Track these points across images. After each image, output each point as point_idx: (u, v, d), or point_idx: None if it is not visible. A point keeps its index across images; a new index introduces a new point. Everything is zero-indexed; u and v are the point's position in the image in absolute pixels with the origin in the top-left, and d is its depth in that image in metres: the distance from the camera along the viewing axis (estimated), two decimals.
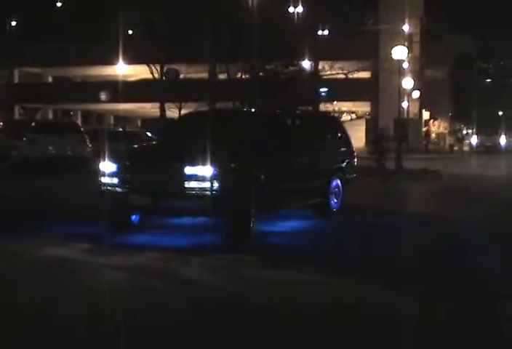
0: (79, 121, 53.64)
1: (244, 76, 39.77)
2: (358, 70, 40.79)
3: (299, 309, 7.19)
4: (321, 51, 37.26)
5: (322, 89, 39.31)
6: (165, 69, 44.69)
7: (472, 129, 71.31)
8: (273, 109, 17.41)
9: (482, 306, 7.34)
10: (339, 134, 15.19)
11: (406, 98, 47.08)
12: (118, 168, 10.91)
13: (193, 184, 10.17)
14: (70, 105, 59.26)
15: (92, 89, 53.02)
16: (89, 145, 26.48)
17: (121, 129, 40.14)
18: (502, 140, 58.89)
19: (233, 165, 10.74)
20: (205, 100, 46.42)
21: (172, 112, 45.28)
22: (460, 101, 69.12)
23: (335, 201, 13.85)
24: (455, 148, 53.94)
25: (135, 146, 13.24)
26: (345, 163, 14.81)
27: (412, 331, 6.44)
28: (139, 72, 50.35)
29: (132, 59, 44.37)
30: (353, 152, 15.62)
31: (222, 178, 10.21)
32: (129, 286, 8.01)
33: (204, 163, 10.16)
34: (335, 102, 42.42)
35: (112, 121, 66.66)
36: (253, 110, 19.80)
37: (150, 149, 12.84)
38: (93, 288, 7.87)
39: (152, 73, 44.50)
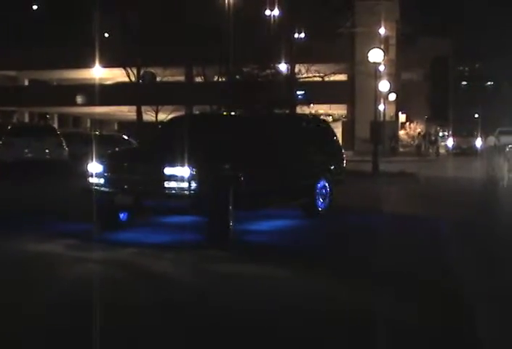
0: (55, 124, 53.49)
1: (220, 79, 39.88)
2: (334, 73, 40.91)
3: (251, 300, 7.55)
4: (297, 54, 37.38)
5: (299, 92, 39.44)
6: (141, 72, 44.74)
7: (448, 131, 71.78)
8: (255, 112, 17.97)
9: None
10: (327, 137, 15.62)
11: (382, 101, 47.37)
12: (104, 169, 11.55)
13: (172, 184, 10.69)
14: (47, 108, 59.10)
15: (68, 92, 52.98)
16: (65, 149, 26.47)
17: (97, 132, 40.11)
18: (478, 143, 59.30)
19: (210, 166, 11.16)
20: (181, 103, 46.55)
21: (149, 115, 45.31)
22: (436, 103, 69.49)
23: (322, 201, 14.29)
24: (430, 151, 54.30)
25: (121, 148, 13.94)
26: (333, 165, 15.22)
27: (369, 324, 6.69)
28: (115, 75, 50.33)
29: (108, 63, 44.34)
30: (342, 154, 16.05)
31: (199, 178, 10.70)
32: (96, 277, 8.57)
33: (182, 165, 10.66)
34: (312, 105, 42.50)
35: (88, 124, 66.51)
36: (236, 113, 20.15)
37: (134, 151, 13.44)
38: (64, 278, 8.48)
39: (128, 76, 44.48)
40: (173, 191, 10.72)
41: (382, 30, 48.39)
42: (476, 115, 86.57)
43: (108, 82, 53.84)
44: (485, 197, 19.28)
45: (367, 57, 34.67)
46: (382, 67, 44.45)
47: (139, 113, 44.54)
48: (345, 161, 16.11)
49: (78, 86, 53.62)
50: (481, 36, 78.72)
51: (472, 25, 77.50)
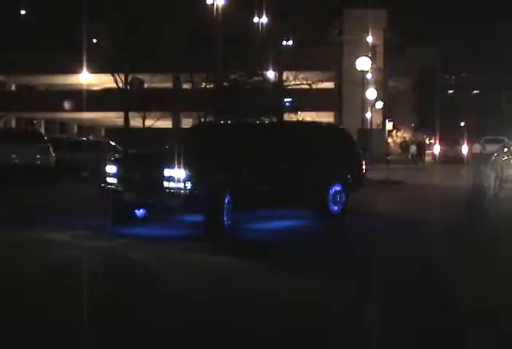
0: (42, 130, 53.31)
1: (208, 86, 39.90)
2: (322, 81, 41.05)
3: (194, 285, 8.38)
4: (285, 62, 37.48)
5: (286, 99, 39.50)
6: (129, 78, 44.69)
7: (435, 140, 72.05)
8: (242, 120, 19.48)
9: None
10: (344, 144, 16.39)
11: (369, 109, 47.52)
12: (117, 170, 12.94)
13: (170, 184, 12.03)
14: (34, 113, 58.91)
15: (56, 97, 52.85)
16: (52, 154, 26.39)
17: (84, 139, 40.06)
18: (464, 151, 59.37)
19: (205, 169, 12.39)
20: (169, 110, 46.55)
21: (136, 121, 45.23)
22: (423, 112, 69.81)
23: (335, 206, 15.09)
24: (417, 158, 54.44)
25: (133, 152, 15.01)
26: (349, 172, 15.84)
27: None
28: (103, 81, 50.21)
29: (96, 68, 44.25)
30: (360, 161, 16.67)
31: (194, 180, 11.98)
32: (78, 261, 9.98)
33: (179, 167, 11.97)
34: (299, 113, 42.57)
35: (76, 130, 66.35)
36: (245, 121, 21.77)
37: (142, 155, 14.92)
38: (51, 260, 9.92)
39: (116, 83, 44.39)
40: (171, 191, 11.99)
41: (369, 39, 48.57)
42: (462, 124, 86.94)
43: (96, 88, 53.72)
44: (472, 206, 19.30)
45: (355, 65, 34.89)
46: (369, 76, 44.62)
47: (126, 119, 44.46)
48: (364, 168, 16.71)
49: (65, 91, 53.50)
50: (467, 46, 79.14)
51: (459, 35, 77.96)
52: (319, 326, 6.73)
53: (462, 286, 8.38)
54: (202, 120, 38.32)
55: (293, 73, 39.24)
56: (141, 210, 13.44)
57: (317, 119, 51.24)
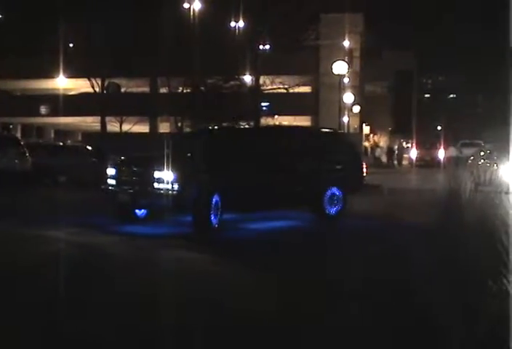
0: (19, 135, 53.04)
1: (185, 90, 39.93)
2: (298, 85, 41.23)
3: (158, 278, 9.11)
4: (262, 66, 37.58)
5: (263, 104, 39.62)
6: (106, 83, 44.64)
7: (411, 143, 72.35)
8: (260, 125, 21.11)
9: None
10: (342, 148, 16.91)
11: (346, 113, 47.66)
12: (115, 172, 14.03)
13: (160, 186, 12.92)
14: (10, 118, 58.58)
15: (32, 102, 52.57)
16: (28, 159, 26.27)
17: (61, 143, 39.90)
18: (441, 154, 59.62)
19: (192, 171, 13.21)
20: (146, 114, 46.50)
21: (113, 126, 45.18)
22: (400, 115, 69.96)
23: (332, 207, 15.75)
24: (394, 162, 54.67)
25: (131, 155, 15.87)
26: (347, 175, 16.33)
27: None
28: (79, 85, 50.07)
29: (72, 73, 44.17)
30: (360, 164, 17.19)
31: (181, 181, 12.83)
32: (58, 252, 10.94)
33: (167, 169, 12.84)
34: (276, 117, 42.72)
35: (52, 134, 66.05)
36: (241, 126, 23.26)
37: (138, 157, 15.48)
38: (37, 252, 10.96)
39: (93, 87, 44.38)
40: (161, 192, 12.88)
41: (346, 43, 48.73)
42: (439, 128, 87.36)
43: (72, 92, 53.55)
44: (449, 208, 19.42)
45: (331, 69, 34.89)
46: (346, 80, 44.69)
47: (103, 123, 44.40)
48: (364, 171, 17.19)
49: (42, 96, 53.24)
50: (444, 50, 79.59)
51: (435, 39, 78.34)
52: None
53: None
54: (180, 124, 38.40)
55: (270, 77, 39.36)
56: (142, 210, 14.40)
57: (294, 123, 51.58)
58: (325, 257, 10.95)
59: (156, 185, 12.99)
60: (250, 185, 14.19)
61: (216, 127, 26.02)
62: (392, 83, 68.04)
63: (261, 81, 38.96)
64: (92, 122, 49.34)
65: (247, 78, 38.77)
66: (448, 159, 57.36)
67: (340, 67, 34.23)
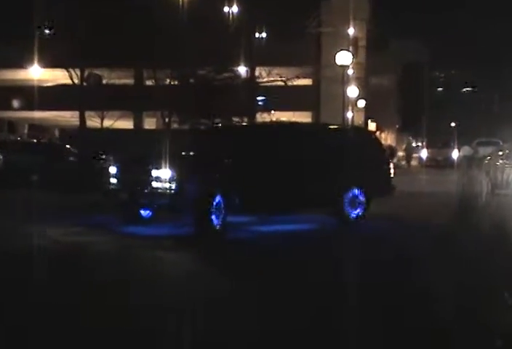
0: None
1: (173, 83, 39.85)
2: (298, 77, 41.09)
3: (128, 276, 9.94)
4: (257, 56, 37.55)
5: (259, 98, 39.57)
6: (86, 74, 44.50)
7: (422, 142, 72.39)
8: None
9: None
10: (368, 147, 17.25)
11: (350, 108, 47.67)
12: (116, 170, 14.85)
13: (159, 184, 13.59)
14: None
15: (4, 94, 52.43)
16: (0, 157, 26.24)
17: (35, 140, 39.79)
18: (455, 154, 59.50)
19: (192, 169, 13.93)
20: (130, 109, 46.33)
21: (94, 121, 45.03)
22: (409, 111, 70.09)
23: (353, 210, 16.14)
24: (402, 163, 54.71)
25: (132, 153, 17.31)
26: (372, 176, 16.59)
27: None
28: (56, 77, 49.89)
29: (48, 63, 44.02)
30: (386, 165, 17.66)
31: (179, 179, 13.46)
32: (43, 249, 12.01)
33: (166, 167, 13.49)
34: (273, 112, 42.67)
35: (26, 130, 65.91)
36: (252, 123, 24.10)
37: (137, 156, 16.38)
38: (25, 248, 12.19)
39: (71, 78, 44.19)
40: (159, 190, 13.58)
41: (350, 31, 48.68)
42: (453, 124, 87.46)
43: (48, 84, 53.41)
44: (464, 213, 19.43)
45: (334, 59, 34.95)
46: (350, 71, 44.77)
47: (82, 118, 44.26)
48: (391, 172, 17.57)
49: (14, 88, 53.09)
50: (457, 41, 79.70)
51: (449, 29, 78.43)
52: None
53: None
54: (167, 120, 38.32)
55: (266, 68, 39.28)
56: (147, 211, 15.12)
57: (293, 120, 51.54)
58: (337, 270, 10.67)
59: (154, 183, 13.65)
60: (258, 185, 14.58)
61: (220, 124, 26.53)
62: (401, 76, 68.18)
63: (257, 73, 38.94)
64: (70, 117, 49.23)
65: (241, 70, 38.72)
66: (462, 159, 57.43)
67: (343, 58, 34.33)
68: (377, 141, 18.89)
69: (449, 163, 55.33)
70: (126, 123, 48.65)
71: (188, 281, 9.78)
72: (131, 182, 14.41)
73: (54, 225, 14.97)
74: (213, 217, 13.70)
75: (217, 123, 33.42)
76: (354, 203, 16.15)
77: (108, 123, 45.07)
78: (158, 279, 9.88)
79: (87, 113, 44.51)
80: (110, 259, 11.56)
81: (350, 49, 43.38)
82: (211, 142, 15.71)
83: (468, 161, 54.90)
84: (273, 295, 8.83)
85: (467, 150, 59.52)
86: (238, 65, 38.42)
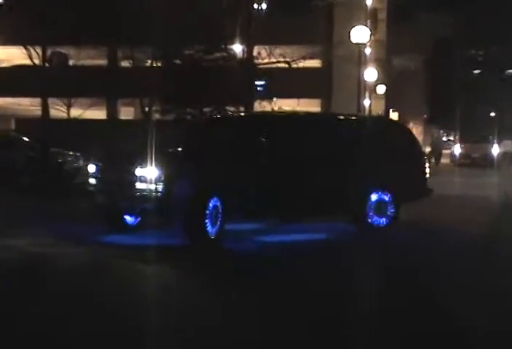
0: None
1: (154, 64, 40.16)
2: (305, 58, 41.34)
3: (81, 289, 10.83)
4: (256, 33, 37.79)
5: (258, 83, 39.78)
6: (49, 53, 44.82)
7: (454, 136, 72.57)
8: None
9: None
10: (399, 142, 17.62)
11: (367, 94, 48.00)
12: (96, 169, 15.30)
13: (143, 185, 13.89)
14: None
15: None
16: None
17: None
18: (495, 150, 59.32)
19: (183, 168, 14.30)
20: (103, 95, 46.67)
21: (59, 110, 45.28)
22: (439, 99, 70.23)
23: (377, 217, 16.40)
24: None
25: (114, 148, 16.34)
26: (402, 176, 16.87)
27: None
28: (12, 56, 50.28)
29: (1, 40, 44.39)
30: (421, 163, 17.99)
31: (167, 180, 13.79)
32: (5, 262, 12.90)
33: (152, 165, 13.76)
34: (275, 100, 42.94)
35: None
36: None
37: (119, 152, 17.37)
38: None
39: (30, 58, 44.48)
40: (143, 193, 13.90)
41: (368, 1, 49.02)
42: (492, 114, 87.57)
43: (3, 65, 53.84)
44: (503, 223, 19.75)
45: (349, 36, 35.27)
46: (368, 51, 45.12)
47: (45, 107, 44.58)
48: (426, 172, 17.80)
49: None
50: (498, 10, 79.71)
51: None
52: None
53: None
54: (147, 109, 38.67)
55: (267, 47, 39.57)
56: (133, 217, 15.46)
57: (299, 108, 51.84)
58: (344, 295, 10.80)
59: (137, 184, 13.94)
60: (263, 187, 14.95)
61: (218, 115, 26.81)
62: (429, 55, 68.33)
63: (255, 53, 39.14)
64: (29, 105, 49.55)
65: (237, 49, 38.97)
66: (503, 157, 57.63)
67: (359, 35, 34.70)
68: (410, 134, 19.03)
69: (487, 161, 55.34)
70: (98, 113, 49.03)
71: (157, 304, 10.02)
72: (111, 182, 14.80)
73: (22, 233, 15.47)
74: (207, 224, 14.02)
75: (213, 114, 33.67)
76: (379, 208, 16.35)
77: (76, 112, 45.41)
78: (123, 299, 10.23)
79: (50, 101, 44.80)
80: (74, 275, 11.99)
81: (368, 23, 43.71)
82: (207, 136, 16.13)
83: (510, 159, 55.21)
84: (264, 330, 8.87)
85: (509, 145, 59.75)
86: (233, 42, 38.62)
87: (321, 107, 56.23)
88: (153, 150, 14.06)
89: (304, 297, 10.45)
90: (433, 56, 68.51)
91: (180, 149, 15.62)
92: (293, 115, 19.38)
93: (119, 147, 18.62)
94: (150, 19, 35.42)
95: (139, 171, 13.92)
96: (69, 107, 45.18)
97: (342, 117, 19.69)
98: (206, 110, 35.38)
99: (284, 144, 15.66)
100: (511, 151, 58.66)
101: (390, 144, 17.16)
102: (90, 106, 46.15)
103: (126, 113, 50.91)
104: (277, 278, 11.67)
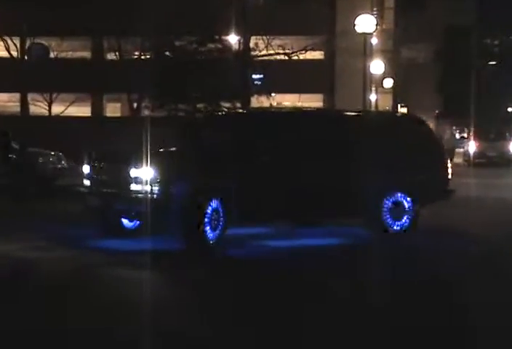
0: None
1: (143, 57, 40.28)
2: (306, 50, 41.56)
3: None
4: (253, 22, 37.89)
5: (255, 76, 39.89)
6: (28, 44, 45.04)
7: (468, 133, 72.51)
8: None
9: None
10: (417, 140, 17.59)
11: (374, 89, 48.21)
12: (90, 170, 15.56)
13: (138, 187, 14.14)
14: None
15: None
16: None
17: None
18: None
19: (180, 169, 14.54)
20: (87, 90, 46.74)
21: (39, 107, 45.39)
22: (452, 92, 70.20)
23: (396, 221, 16.44)
24: None
25: (108, 148, 18.02)
26: (422, 177, 16.95)
27: None
28: None
29: None
30: (442, 163, 17.93)
31: (163, 182, 14.07)
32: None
33: (146, 166, 13.97)
34: (273, 95, 43.07)
35: None
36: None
37: (113, 152, 17.21)
38: None
39: (8, 50, 44.65)
40: (138, 195, 14.14)
41: None
42: (510, 110, 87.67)
43: None
44: None
45: (353, 26, 35.48)
46: (374, 41, 45.28)
47: (24, 103, 44.71)
48: (448, 172, 17.82)
49: None
50: None
51: None
52: None
53: None
54: (136, 105, 38.88)
55: (265, 38, 39.71)
56: (132, 220, 15.59)
57: (300, 104, 51.94)
58: (349, 309, 10.61)
59: (132, 186, 14.22)
60: (269, 187, 15.13)
61: (218, 112, 26.93)
62: (441, 45, 68.36)
63: (252, 44, 39.19)
64: (7, 101, 49.71)
65: (232, 40, 39.05)
66: None
67: (365, 24, 34.88)
68: (431, 132, 19.06)
69: (504, 160, 55.28)
70: (82, 110, 49.14)
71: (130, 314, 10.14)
72: (105, 184, 15.11)
73: (16, 237, 15.84)
74: (207, 228, 14.25)
75: (208, 110, 33.84)
76: (396, 211, 16.36)
77: (58, 109, 45.57)
78: (99, 309, 10.39)
79: (30, 96, 44.99)
80: (57, 281, 12.35)
81: (374, 11, 43.94)
82: (207, 133, 16.46)
83: None
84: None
85: None
86: (228, 33, 38.72)
87: (324, 103, 56.33)
88: (148, 150, 14.21)
89: (295, 315, 10.27)
90: (446, 45, 68.48)
91: (176, 148, 15.90)
92: (300, 112, 19.60)
93: (113, 146, 18.81)
94: (138, 7, 35.55)
95: (134, 172, 14.16)
96: (50, 103, 45.32)
97: (355, 114, 19.88)
98: (199, 106, 35.48)
99: (293, 142, 15.85)
100: None
101: (408, 142, 17.25)
102: (73, 102, 46.29)
103: (113, 109, 51.02)
104: (271, 294, 11.34)
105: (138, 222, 15.41)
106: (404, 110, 61.58)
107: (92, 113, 50.65)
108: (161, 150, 15.09)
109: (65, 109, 45.84)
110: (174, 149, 15.79)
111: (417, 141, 17.49)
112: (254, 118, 17.63)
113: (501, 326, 9.65)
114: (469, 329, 9.45)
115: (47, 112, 45.67)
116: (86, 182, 15.51)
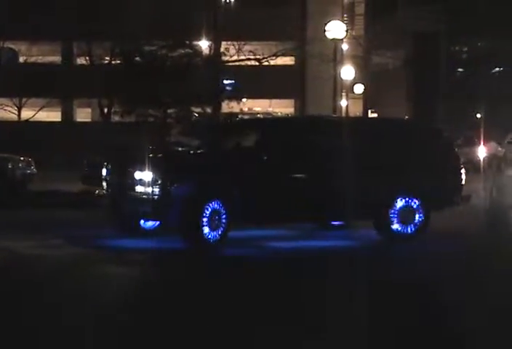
0: None
1: (113, 62, 40.13)
2: (276, 55, 41.46)
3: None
4: (224, 28, 37.82)
5: (226, 82, 39.80)
6: None
7: None
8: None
9: None
10: (430, 146, 17.63)
11: (344, 94, 48.16)
12: (106, 172, 16.20)
13: (141, 188, 14.63)
14: None
15: None
16: None
17: None
18: (480, 153, 59.47)
19: (181, 170, 15.04)
20: (57, 95, 46.50)
21: (8, 112, 45.14)
22: (422, 98, 70.43)
23: (405, 225, 16.42)
24: None
25: (120, 151, 18.59)
26: (433, 181, 16.88)
27: None
28: None
29: None
30: (454, 168, 17.83)
31: (164, 183, 14.54)
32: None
33: (149, 169, 14.50)
34: (244, 100, 42.93)
35: None
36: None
37: (120, 155, 17.99)
38: None
39: None
40: (142, 196, 14.63)
41: None
42: (479, 115, 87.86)
43: None
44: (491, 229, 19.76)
45: (324, 32, 35.28)
46: (345, 47, 45.25)
47: None
48: (461, 177, 17.76)
49: None
50: (485, 4, 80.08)
51: None
52: None
53: None
54: (106, 110, 38.57)
55: (235, 43, 39.61)
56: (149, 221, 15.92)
57: (270, 109, 51.88)
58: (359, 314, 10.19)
59: (137, 188, 14.76)
60: (273, 187, 15.33)
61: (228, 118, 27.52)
62: (410, 52, 68.59)
63: (223, 49, 39.17)
64: None
65: (203, 45, 38.97)
66: (490, 160, 57.83)
67: (335, 30, 34.64)
68: (443, 137, 19.02)
69: (474, 165, 55.45)
70: (53, 115, 48.87)
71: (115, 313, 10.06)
72: (116, 186, 15.77)
73: (33, 236, 16.19)
74: (206, 228, 14.51)
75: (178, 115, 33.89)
76: (406, 216, 16.33)
77: (27, 114, 45.28)
78: (84, 306, 10.35)
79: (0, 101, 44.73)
80: (52, 275, 12.52)
81: (345, 17, 43.89)
82: (210, 136, 17.57)
83: (497, 163, 55.42)
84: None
85: (494, 147, 59.99)
86: (199, 38, 38.65)
87: (294, 108, 56.36)
88: (150, 153, 15.18)
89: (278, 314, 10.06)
90: (415, 52, 68.63)
91: (176, 150, 17.23)
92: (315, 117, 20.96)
93: (124, 150, 19.01)
94: (108, 12, 35.40)
95: (138, 174, 14.68)
96: (20, 108, 45.06)
97: (365, 119, 20.31)
98: (170, 111, 35.33)
99: (300, 144, 16.02)
100: (500, 155, 58.82)
101: (419, 147, 17.32)
102: (43, 107, 46.03)
103: (83, 114, 50.80)
104: (266, 296, 11.06)
105: (158, 223, 15.79)
106: (374, 116, 61.71)
107: (62, 118, 50.43)
108: (162, 152, 16.41)
109: (35, 114, 45.53)
110: (174, 151, 17.53)
111: (430, 147, 17.57)
112: (266, 124, 18.47)
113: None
114: (469, 332, 9.28)
115: (16, 117, 45.35)
116: (105, 185, 16.22)
